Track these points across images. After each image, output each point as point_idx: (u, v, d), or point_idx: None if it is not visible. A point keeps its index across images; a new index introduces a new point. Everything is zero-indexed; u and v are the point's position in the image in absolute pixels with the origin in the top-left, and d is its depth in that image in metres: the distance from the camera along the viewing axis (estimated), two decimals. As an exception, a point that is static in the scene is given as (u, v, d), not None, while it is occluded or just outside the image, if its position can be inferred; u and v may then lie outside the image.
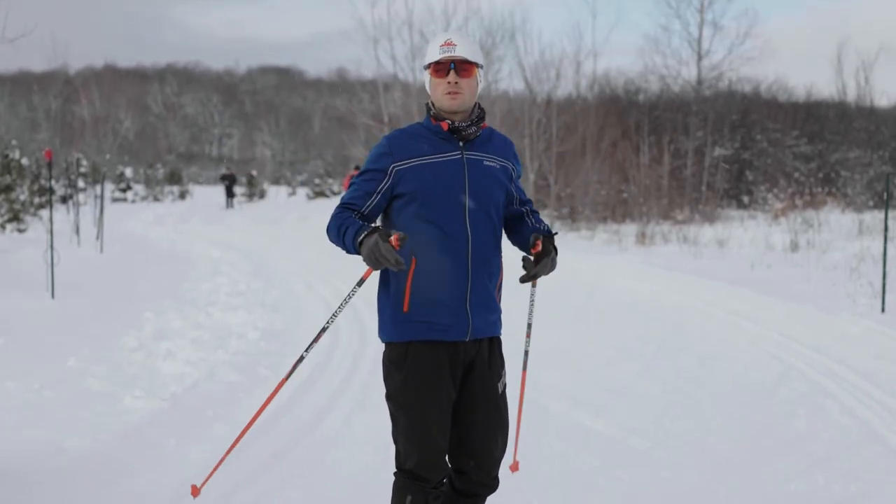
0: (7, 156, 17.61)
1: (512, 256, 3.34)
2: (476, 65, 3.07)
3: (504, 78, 27.46)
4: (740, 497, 4.31)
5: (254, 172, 45.64)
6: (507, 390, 3.24)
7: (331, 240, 3.06)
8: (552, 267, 3.10)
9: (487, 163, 3.11)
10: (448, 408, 3.05)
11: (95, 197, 19.92)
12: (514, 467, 3.60)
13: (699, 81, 33.31)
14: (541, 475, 4.53)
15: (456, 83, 3.03)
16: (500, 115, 23.31)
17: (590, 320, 9.38)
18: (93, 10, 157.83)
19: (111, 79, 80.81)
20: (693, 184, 28.39)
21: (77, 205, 17.76)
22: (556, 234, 3.22)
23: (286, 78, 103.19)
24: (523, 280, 3.07)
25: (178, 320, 8.56)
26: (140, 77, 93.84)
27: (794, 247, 15.36)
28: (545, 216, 23.65)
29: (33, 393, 5.75)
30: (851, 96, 37.25)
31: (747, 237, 17.51)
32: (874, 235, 16.42)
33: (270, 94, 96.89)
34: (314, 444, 4.99)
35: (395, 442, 3.09)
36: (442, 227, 3.01)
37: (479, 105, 3.15)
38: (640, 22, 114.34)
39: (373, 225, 2.97)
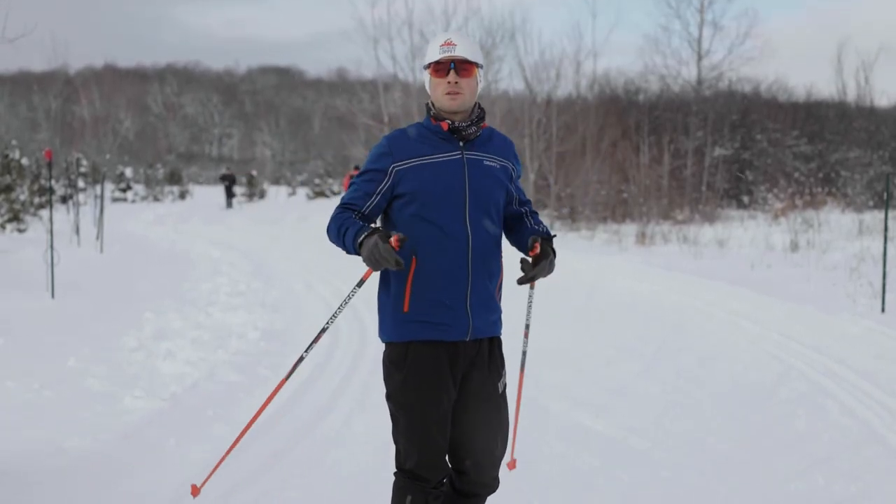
0: (7, 156, 17.61)
1: (512, 256, 3.34)
2: (476, 65, 3.07)
3: (504, 78, 27.49)
4: (740, 497, 4.31)
5: (254, 172, 45.64)
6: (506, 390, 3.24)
7: (331, 240, 3.07)
8: (550, 269, 3.09)
9: (487, 163, 3.11)
10: (448, 408, 3.05)
11: (95, 197, 19.93)
12: (512, 465, 3.61)
13: (699, 81, 33.33)
14: (541, 475, 4.53)
15: (456, 83, 3.03)
16: (500, 115, 23.31)
17: (590, 320, 9.38)
18: (93, 10, 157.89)
19: (111, 79, 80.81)
20: (693, 184, 28.40)
21: (77, 205, 17.76)
22: (554, 236, 3.22)
23: (286, 78, 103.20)
24: (520, 282, 3.07)
25: (178, 320, 8.56)
26: (140, 77, 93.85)
27: (794, 247, 15.37)
28: (545, 216, 23.65)
29: (33, 393, 5.75)
30: (851, 96, 37.29)
31: (747, 237, 17.51)
32: (874, 235, 16.42)
33: (270, 94, 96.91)
34: (314, 444, 4.99)
35: (395, 442, 3.09)
36: (442, 227, 3.01)
37: (479, 105, 3.15)
38: (640, 22, 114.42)
39: (373, 226, 2.97)
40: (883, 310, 9.49)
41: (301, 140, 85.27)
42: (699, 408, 5.87)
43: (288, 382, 3.41)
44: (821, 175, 30.31)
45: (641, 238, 18.37)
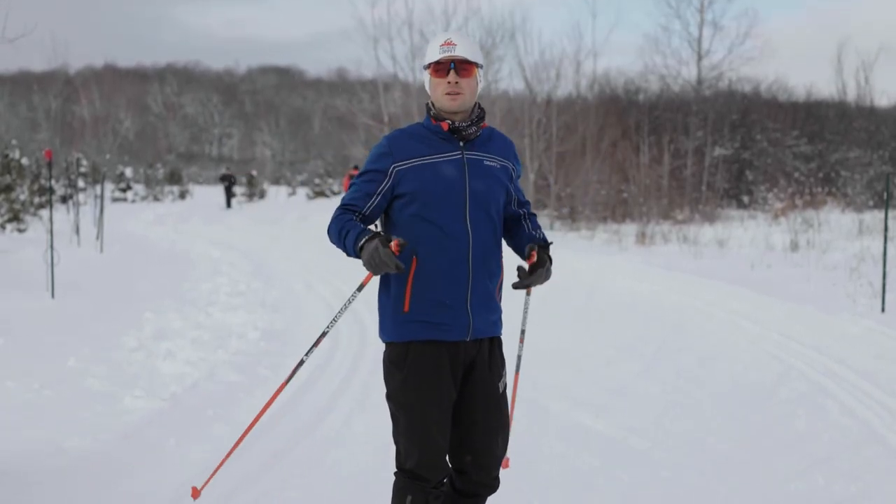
0: (7, 156, 17.61)
1: (512, 256, 3.34)
2: (476, 64, 3.07)
3: (504, 78, 27.50)
4: (740, 497, 4.31)
5: (254, 172, 45.61)
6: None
7: (331, 241, 3.07)
8: (546, 277, 3.11)
9: (488, 163, 3.11)
10: (448, 408, 3.05)
11: (95, 197, 19.92)
12: (505, 464, 3.61)
13: (699, 81, 33.34)
14: (541, 475, 4.53)
15: (456, 83, 3.03)
16: (500, 115, 23.32)
17: (590, 320, 9.38)
18: (93, 10, 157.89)
19: (111, 79, 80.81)
20: (693, 184, 28.41)
21: (77, 205, 17.75)
22: (550, 243, 3.22)
23: (286, 78, 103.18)
24: (515, 286, 3.08)
25: (178, 320, 8.56)
26: (140, 77, 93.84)
27: (794, 247, 15.37)
28: (545, 216, 23.66)
29: (33, 393, 5.75)
30: (851, 96, 37.32)
31: (747, 237, 17.51)
32: (874, 235, 16.42)
33: (270, 94, 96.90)
34: (314, 444, 4.99)
35: (396, 442, 3.09)
36: (442, 227, 3.01)
37: (479, 105, 3.15)
38: (640, 22, 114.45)
39: (373, 228, 2.97)
40: (883, 310, 9.49)
41: (301, 140, 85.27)
42: (699, 408, 5.87)
43: (288, 383, 3.41)
44: (821, 175, 30.34)
45: (641, 238, 18.38)
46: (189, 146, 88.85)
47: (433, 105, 3.10)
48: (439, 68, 3.04)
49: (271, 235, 21.56)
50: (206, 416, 5.44)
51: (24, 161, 19.53)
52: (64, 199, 27.62)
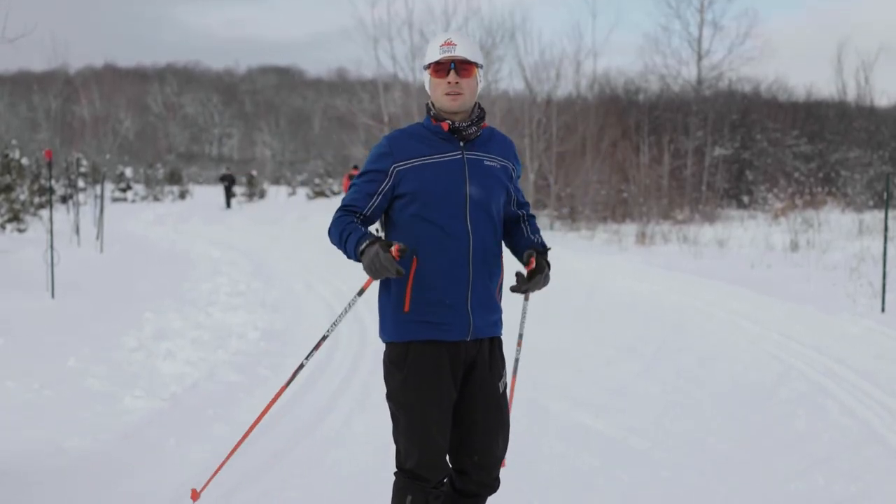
0: (7, 156, 17.61)
1: (512, 256, 3.34)
2: (476, 65, 3.07)
3: (504, 78, 27.51)
4: (740, 497, 4.31)
5: (254, 172, 45.62)
6: None
7: (332, 242, 3.08)
8: (545, 283, 3.12)
9: (488, 162, 3.11)
10: (448, 407, 3.05)
11: (95, 197, 19.92)
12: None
13: (699, 81, 33.35)
14: (541, 475, 4.53)
15: (456, 83, 3.03)
16: (500, 115, 23.32)
17: (590, 320, 9.38)
18: (93, 10, 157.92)
19: (111, 79, 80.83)
20: (693, 184, 28.42)
21: (77, 205, 17.75)
22: (549, 249, 3.22)
23: (286, 78, 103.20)
24: (514, 290, 3.09)
25: (178, 320, 8.56)
26: (140, 77, 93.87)
27: (794, 247, 15.37)
28: (545, 216, 23.66)
29: (33, 393, 5.75)
30: (851, 96, 37.33)
31: (747, 237, 17.51)
32: (874, 235, 16.42)
33: (270, 94, 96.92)
34: (314, 444, 4.99)
35: (396, 442, 3.09)
36: (443, 226, 3.01)
37: (479, 105, 3.15)
38: (640, 22, 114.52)
39: (374, 233, 2.97)
40: (883, 310, 9.49)
41: (301, 140, 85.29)
42: (699, 408, 5.87)
43: (288, 386, 3.41)
44: (821, 175, 30.35)
45: (641, 238, 18.38)
46: (189, 146, 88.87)
47: (433, 105, 3.10)
48: (439, 68, 3.04)
49: (271, 235, 21.56)
50: (206, 416, 5.44)
51: (24, 161, 19.53)
52: (64, 199, 27.62)
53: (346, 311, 3.19)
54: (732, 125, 32.60)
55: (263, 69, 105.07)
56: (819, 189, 25.53)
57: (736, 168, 31.94)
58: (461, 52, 3.02)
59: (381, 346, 3.16)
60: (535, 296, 3.37)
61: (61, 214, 21.08)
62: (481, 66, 3.10)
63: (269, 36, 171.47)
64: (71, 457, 4.56)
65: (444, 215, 3.01)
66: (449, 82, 3.02)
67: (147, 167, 48.30)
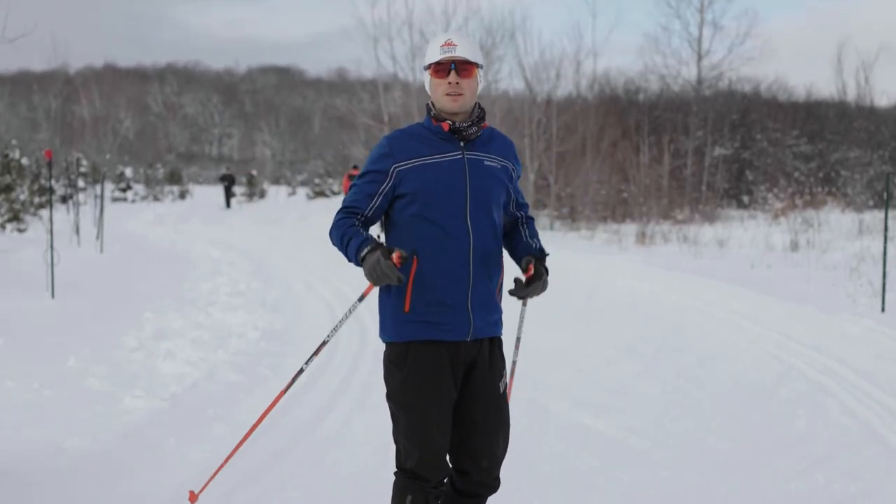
0: (7, 156, 17.61)
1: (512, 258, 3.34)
2: (476, 65, 3.07)
3: (504, 78, 27.54)
4: (740, 497, 4.31)
5: (254, 172, 45.63)
6: None
7: (333, 244, 3.08)
8: (543, 289, 3.14)
9: (488, 163, 3.11)
10: (448, 407, 3.05)
11: (95, 197, 19.92)
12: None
13: (699, 81, 33.36)
14: (541, 475, 4.53)
15: (457, 83, 3.02)
16: (500, 115, 23.32)
17: (590, 320, 9.38)
18: (93, 10, 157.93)
19: (111, 79, 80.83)
20: (693, 183, 28.42)
21: (77, 205, 17.75)
22: (547, 255, 3.22)
23: (286, 78, 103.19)
24: (512, 294, 3.10)
25: (178, 320, 8.56)
26: (140, 77, 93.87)
27: (794, 247, 15.37)
28: (545, 216, 23.67)
29: (33, 393, 5.75)
30: (851, 96, 37.34)
31: (747, 237, 17.51)
32: (874, 235, 16.42)
33: (270, 94, 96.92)
34: (314, 444, 4.99)
35: (396, 442, 3.09)
36: (443, 226, 3.01)
37: (480, 105, 3.15)
38: (640, 22, 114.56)
39: (375, 238, 2.97)
40: (883, 310, 9.49)
41: (301, 140, 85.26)
42: (699, 408, 5.87)
43: (287, 391, 3.41)
44: (821, 175, 30.35)
45: (641, 238, 18.38)
46: (189, 146, 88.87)
47: (434, 105, 3.10)
48: (440, 69, 3.04)
49: (271, 235, 21.56)
50: (206, 416, 5.44)
51: (24, 161, 19.53)
52: (64, 199, 27.61)
53: (346, 316, 3.20)
54: (732, 125, 32.61)
55: (263, 69, 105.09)
56: (819, 189, 25.54)
57: (736, 168, 31.95)
58: (461, 52, 3.02)
59: (381, 346, 3.16)
60: (526, 311, 3.39)
61: (61, 214, 21.08)
62: (481, 67, 3.10)
63: (269, 36, 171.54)
64: (71, 457, 4.56)
65: (445, 215, 3.01)
66: (449, 83, 3.02)
67: (147, 167, 48.31)
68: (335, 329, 3.23)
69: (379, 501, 3.92)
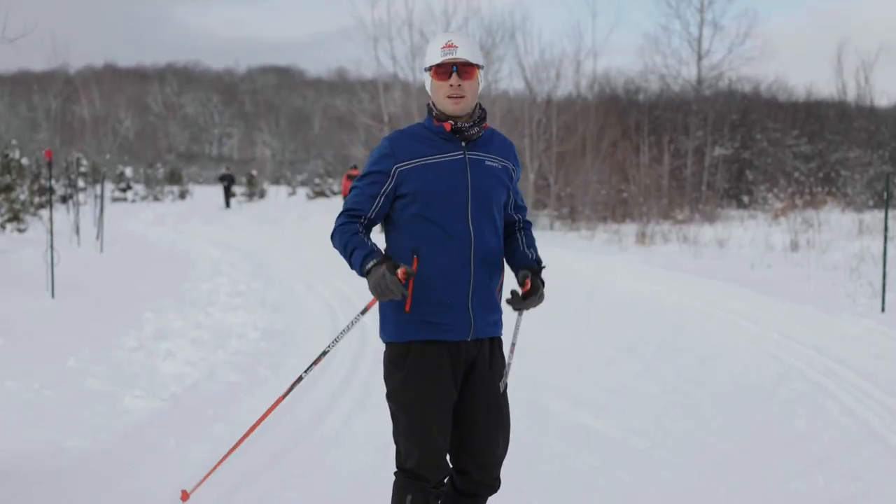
0: (7, 156, 17.61)
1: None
2: (477, 66, 3.07)
3: (504, 78, 27.53)
4: (740, 497, 4.31)
5: (254, 172, 45.64)
6: None
7: (335, 247, 3.08)
8: (539, 301, 3.13)
9: (489, 163, 3.11)
10: (449, 407, 3.05)
11: (95, 197, 19.92)
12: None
13: (699, 81, 33.37)
14: (541, 475, 4.53)
15: (459, 86, 3.02)
16: (500, 115, 23.31)
17: (590, 320, 9.38)
18: (93, 10, 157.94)
19: (111, 79, 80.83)
20: (693, 183, 28.42)
21: (77, 205, 17.75)
22: (543, 267, 3.22)
23: (286, 78, 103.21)
24: (508, 303, 3.10)
25: (178, 320, 8.56)
26: (140, 77, 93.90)
27: (794, 247, 15.37)
28: (545, 216, 23.67)
29: (33, 393, 5.75)
30: (851, 96, 37.34)
31: (747, 237, 17.50)
32: (874, 235, 16.42)
33: (270, 94, 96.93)
34: (314, 444, 4.99)
35: (396, 442, 3.09)
36: (444, 227, 3.01)
37: (480, 105, 3.14)
38: (640, 22, 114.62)
39: (380, 249, 2.97)
40: (883, 310, 9.48)
41: (301, 140, 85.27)
42: (699, 408, 5.87)
43: (285, 397, 3.40)
44: (821, 175, 30.35)
45: (641, 238, 18.37)
46: (189, 146, 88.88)
47: (435, 106, 3.10)
48: (441, 71, 3.03)
49: (271, 235, 21.56)
50: (206, 416, 5.44)
51: (24, 161, 19.54)
52: (64, 199, 27.61)
53: (348, 328, 3.20)
54: (732, 125, 32.61)
55: (263, 69, 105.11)
56: (819, 189, 25.54)
57: (736, 168, 31.95)
58: (463, 54, 3.02)
59: (381, 346, 3.16)
60: (522, 320, 3.38)
61: (61, 214, 21.08)
62: (482, 68, 3.10)
63: (269, 36, 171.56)
64: (71, 457, 4.56)
65: (446, 215, 3.01)
66: (451, 85, 3.02)
67: (147, 167, 48.31)
68: (336, 340, 3.23)
69: (379, 501, 3.92)
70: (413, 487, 3.03)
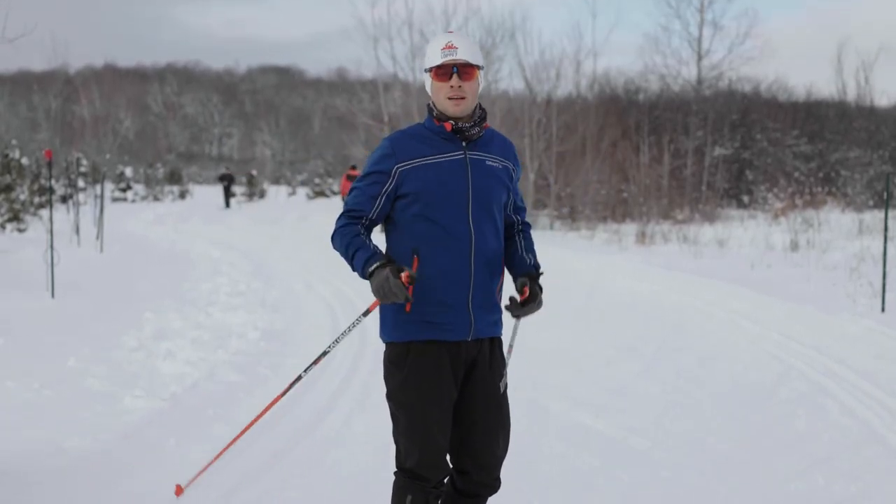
0: (7, 155, 17.61)
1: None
2: (477, 67, 3.07)
3: (504, 78, 27.51)
4: (740, 497, 4.31)
5: (254, 172, 45.64)
6: None
7: (335, 249, 3.08)
8: (537, 308, 3.14)
9: (490, 163, 3.11)
10: (449, 407, 3.05)
11: (95, 197, 19.92)
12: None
13: (699, 81, 33.37)
14: (541, 475, 4.53)
15: (459, 87, 3.02)
16: (500, 115, 23.31)
17: (590, 320, 9.38)
18: (93, 10, 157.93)
19: (111, 79, 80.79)
20: (693, 183, 28.42)
21: (77, 204, 17.74)
22: (541, 273, 3.22)
23: (286, 78, 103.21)
24: (506, 309, 3.11)
25: (178, 320, 8.56)
26: (140, 77, 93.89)
27: (794, 246, 15.37)
28: (545, 216, 23.66)
29: (33, 393, 5.75)
30: (851, 96, 37.33)
31: (747, 237, 17.50)
32: (874, 235, 16.42)
33: (270, 94, 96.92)
34: (314, 444, 4.99)
35: (396, 441, 3.09)
36: (445, 226, 3.01)
37: (481, 105, 3.14)
38: (640, 22, 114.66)
39: (383, 252, 2.97)
40: (883, 310, 9.49)
41: (301, 140, 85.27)
42: (699, 408, 5.87)
43: (284, 396, 3.41)
44: (821, 175, 30.34)
45: (641, 238, 18.37)
46: (189, 146, 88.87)
47: (435, 106, 3.10)
48: (441, 72, 3.03)
49: (271, 235, 21.56)
50: (206, 416, 5.44)
51: (24, 161, 19.53)
52: (64, 199, 27.61)
53: (349, 329, 3.20)
54: (732, 125, 32.60)
55: (263, 69, 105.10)
56: (819, 189, 25.53)
57: (736, 168, 31.95)
58: (463, 55, 3.01)
59: (381, 346, 3.16)
60: (519, 325, 3.39)
61: (61, 214, 21.08)
62: (482, 68, 3.10)
63: (269, 36, 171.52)
64: (71, 457, 4.56)
65: (447, 215, 3.01)
66: (452, 86, 3.02)
67: (147, 167, 48.31)
68: (336, 341, 3.24)
69: (379, 501, 3.92)
70: (413, 487, 3.03)
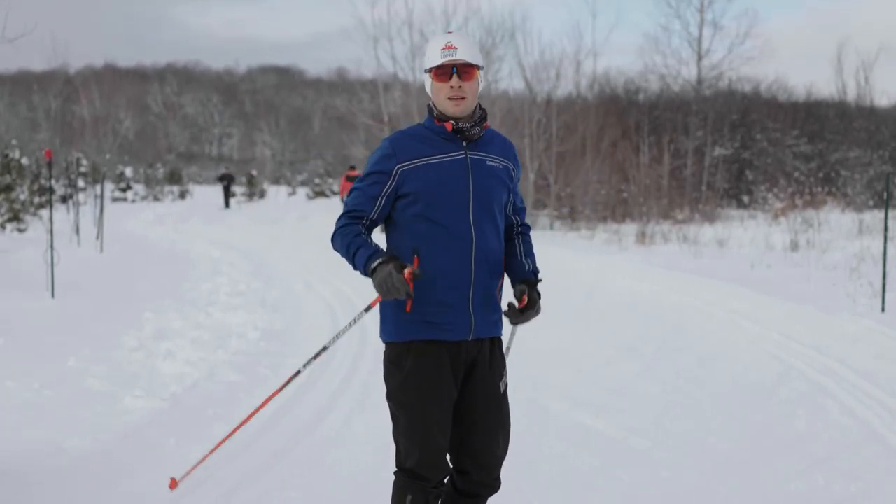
0: (7, 155, 17.61)
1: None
2: (477, 67, 3.07)
3: (504, 78, 27.51)
4: (740, 497, 4.31)
5: (254, 172, 45.64)
6: None
7: (335, 249, 3.08)
8: (536, 314, 3.14)
9: (490, 163, 3.11)
10: (449, 407, 3.05)
11: (95, 197, 19.92)
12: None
13: (699, 81, 33.37)
14: (541, 475, 4.53)
15: (459, 87, 3.02)
16: (500, 114, 23.30)
17: (590, 320, 9.38)
18: (93, 10, 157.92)
19: (111, 79, 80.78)
20: (693, 183, 28.42)
21: (77, 204, 17.74)
22: (540, 280, 3.22)
23: (286, 78, 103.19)
24: (505, 314, 3.10)
25: (178, 320, 8.56)
26: (140, 77, 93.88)
27: (794, 246, 15.37)
28: (545, 216, 23.66)
29: (33, 393, 5.75)
30: (851, 96, 37.33)
31: (747, 237, 17.50)
32: (874, 235, 16.42)
33: (270, 94, 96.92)
34: (314, 444, 4.99)
35: (396, 441, 3.09)
36: (446, 226, 3.01)
37: (481, 105, 3.14)
38: (640, 22, 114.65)
39: (385, 249, 2.97)
40: (883, 310, 9.48)
41: (301, 140, 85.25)
42: (699, 408, 5.87)
43: (282, 390, 3.41)
44: (821, 175, 30.34)
45: (641, 238, 18.38)
46: (189, 146, 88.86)
47: (435, 106, 3.10)
48: (441, 73, 3.03)
49: (271, 235, 21.56)
50: (206, 416, 5.44)
51: (24, 161, 19.53)
52: (64, 199, 27.61)
53: (350, 325, 3.20)
54: (732, 125, 32.61)
55: (263, 69, 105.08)
56: (819, 189, 25.53)
57: (736, 168, 31.95)
58: (463, 55, 3.01)
59: (381, 346, 3.16)
60: (517, 330, 3.39)
61: (61, 214, 21.07)
62: (482, 68, 3.10)
63: (269, 36, 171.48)
64: (71, 457, 4.56)
65: (448, 215, 3.01)
66: (452, 87, 3.02)
67: (147, 167, 48.31)
68: (337, 336, 3.24)
69: (379, 501, 3.92)
70: (413, 487, 3.03)
